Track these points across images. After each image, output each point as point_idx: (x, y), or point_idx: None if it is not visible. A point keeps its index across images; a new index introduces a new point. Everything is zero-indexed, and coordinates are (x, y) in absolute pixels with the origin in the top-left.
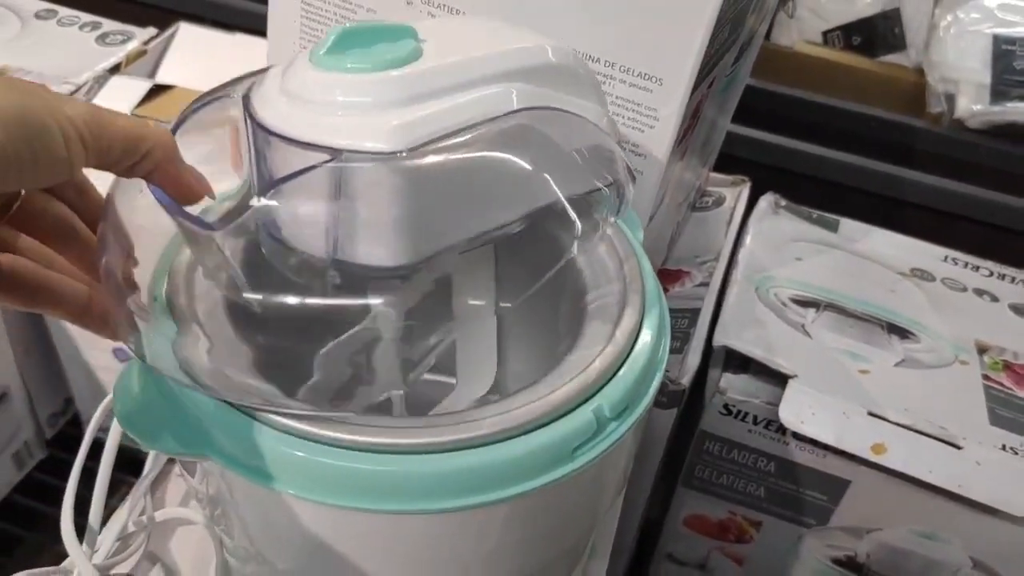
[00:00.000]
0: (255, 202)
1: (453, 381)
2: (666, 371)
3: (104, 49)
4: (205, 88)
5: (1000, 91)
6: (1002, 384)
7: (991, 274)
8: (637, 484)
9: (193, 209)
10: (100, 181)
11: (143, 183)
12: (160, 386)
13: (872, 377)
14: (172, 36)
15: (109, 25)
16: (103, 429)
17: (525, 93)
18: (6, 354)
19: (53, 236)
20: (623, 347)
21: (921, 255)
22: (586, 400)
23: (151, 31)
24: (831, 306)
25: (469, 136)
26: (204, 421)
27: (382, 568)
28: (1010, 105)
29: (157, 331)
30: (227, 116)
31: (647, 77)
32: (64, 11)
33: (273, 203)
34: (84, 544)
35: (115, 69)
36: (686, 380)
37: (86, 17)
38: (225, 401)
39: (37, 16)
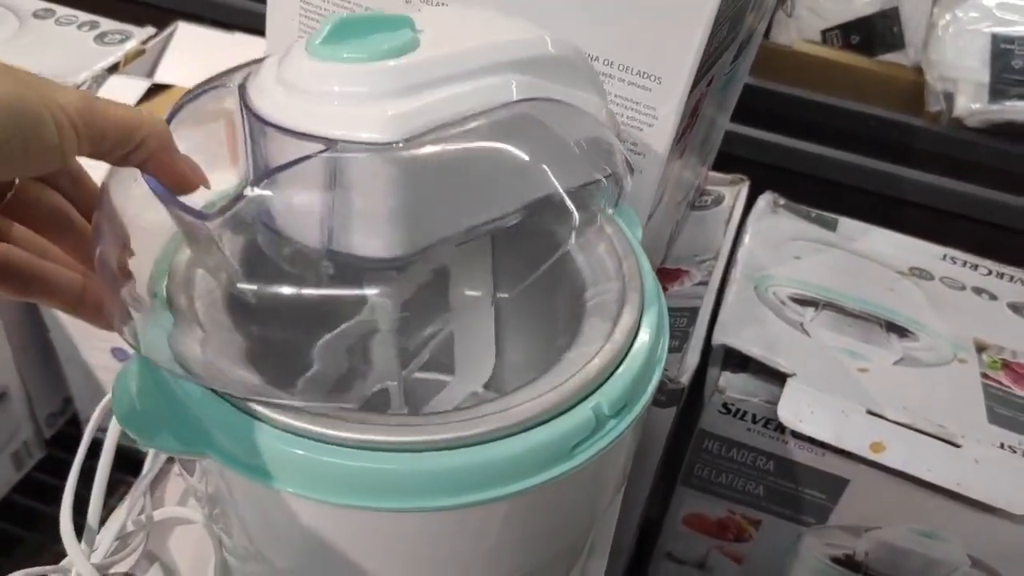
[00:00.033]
0: (249, 191)
1: (450, 379)
2: (665, 370)
3: (102, 48)
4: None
5: (998, 90)
6: (1001, 382)
7: (990, 273)
8: (636, 483)
9: (192, 201)
10: (97, 172)
11: (138, 172)
12: (159, 385)
13: (871, 376)
14: (170, 35)
15: (107, 24)
16: (102, 429)
17: (524, 84)
18: (5, 354)
19: (47, 226)
20: (622, 345)
21: (920, 254)
22: (585, 398)
23: (149, 30)
24: (830, 305)
25: (466, 127)
26: (203, 419)
27: (381, 566)
28: (1008, 104)
29: (153, 322)
30: (222, 106)
31: (646, 75)
32: (62, 10)
33: (267, 193)
34: (83, 543)
35: (113, 68)
36: (685, 379)
37: (84, 16)
38: (223, 397)
39: (35, 15)
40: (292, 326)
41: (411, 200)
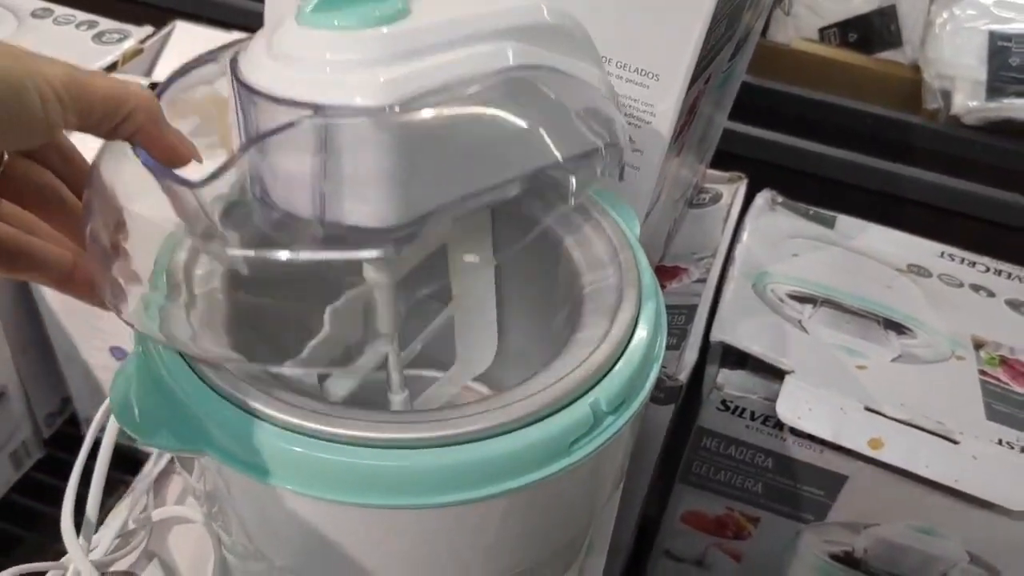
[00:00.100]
0: (237, 157)
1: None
2: (663, 367)
3: (100, 48)
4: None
5: (996, 87)
6: (999, 379)
7: (987, 270)
8: (635, 480)
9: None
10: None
11: (129, 148)
12: (157, 382)
13: (869, 372)
14: (168, 35)
15: (105, 24)
16: (103, 428)
17: (520, 51)
18: (3, 353)
19: (37, 202)
20: (620, 341)
21: (918, 251)
22: (583, 394)
23: (147, 30)
24: (828, 302)
25: (460, 93)
26: (201, 417)
27: (380, 563)
28: (1006, 101)
29: (148, 298)
30: (213, 86)
31: (644, 73)
32: (60, 10)
33: (254, 156)
34: (81, 538)
35: (111, 68)
36: (683, 376)
37: (82, 16)
38: (221, 394)
39: (33, 15)
40: (287, 305)
41: (404, 167)
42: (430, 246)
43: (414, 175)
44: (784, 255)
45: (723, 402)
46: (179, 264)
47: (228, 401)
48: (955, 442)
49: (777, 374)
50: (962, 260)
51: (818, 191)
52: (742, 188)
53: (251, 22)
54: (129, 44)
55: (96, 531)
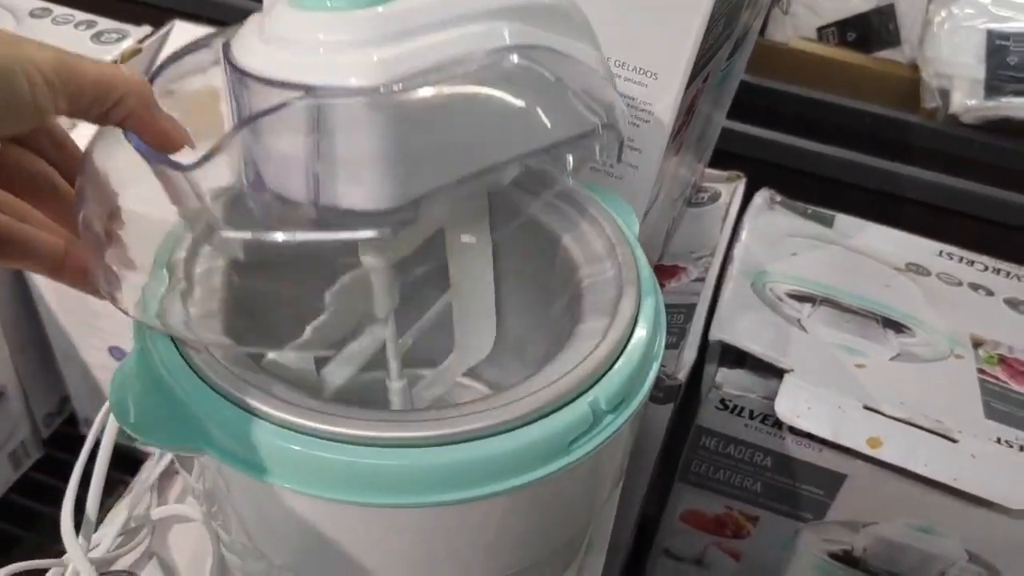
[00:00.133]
0: (228, 139)
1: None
2: (662, 366)
3: (99, 47)
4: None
5: (994, 86)
6: (997, 378)
7: (986, 269)
8: (634, 480)
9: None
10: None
11: (121, 134)
12: (156, 382)
13: (868, 371)
14: (167, 34)
15: (104, 23)
16: (104, 429)
17: (516, 31)
18: (2, 353)
19: (29, 190)
20: (619, 340)
21: (916, 250)
22: (582, 393)
23: (146, 29)
24: (827, 301)
25: (456, 72)
26: (200, 416)
27: (379, 562)
28: (1004, 100)
29: (142, 286)
30: (207, 74)
31: (642, 72)
32: (59, 9)
33: (248, 140)
34: (81, 537)
35: None
36: (682, 375)
37: (81, 15)
38: (220, 393)
39: (32, 15)
40: (284, 288)
41: (398, 148)
42: (427, 230)
43: (409, 156)
44: (783, 254)
45: (722, 401)
46: (179, 259)
47: (227, 400)
48: (954, 441)
49: (776, 373)
50: (961, 259)
51: (817, 190)
52: (741, 187)
53: None
54: (128, 44)
55: (96, 530)
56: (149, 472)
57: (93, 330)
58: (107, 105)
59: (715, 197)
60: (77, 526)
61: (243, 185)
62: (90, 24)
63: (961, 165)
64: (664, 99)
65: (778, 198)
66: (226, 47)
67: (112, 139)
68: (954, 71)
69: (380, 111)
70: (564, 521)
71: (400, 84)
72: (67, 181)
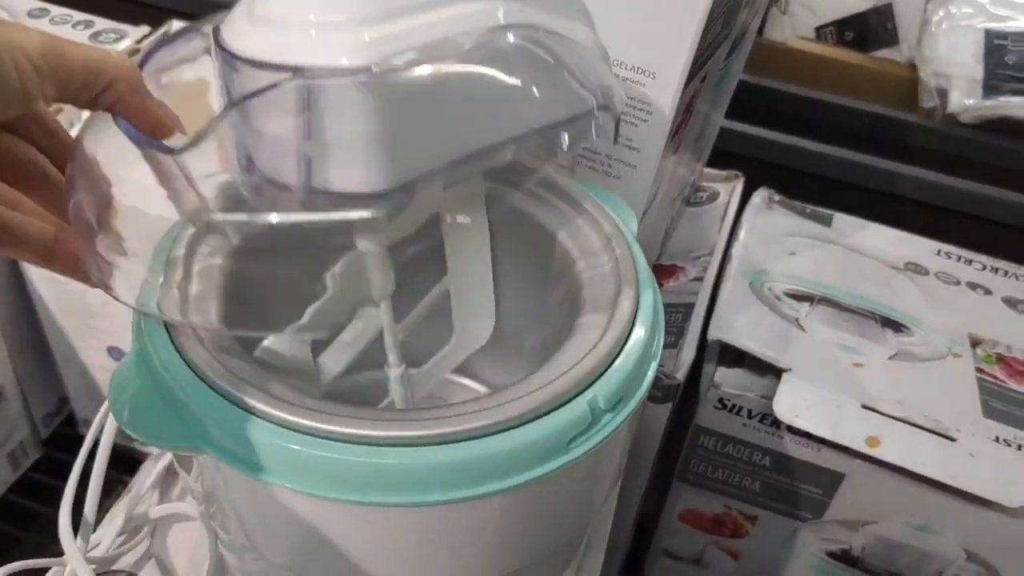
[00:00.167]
0: (217, 121)
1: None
2: (661, 366)
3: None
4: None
5: (992, 85)
6: (995, 377)
7: (984, 268)
8: (633, 479)
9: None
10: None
11: (112, 121)
12: (155, 381)
13: (866, 370)
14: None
15: (102, 23)
16: (103, 429)
17: (511, 10)
18: (1, 354)
19: (21, 178)
20: (617, 340)
21: (915, 249)
22: (581, 392)
23: (144, 29)
24: (825, 300)
25: (449, 51)
26: (198, 415)
27: (377, 561)
28: (1002, 99)
29: (135, 274)
30: (198, 56)
31: (640, 71)
32: (56, 10)
33: (239, 124)
34: (79, 538)
35: None
36: (681, 374)
37: (79, 16)
38: (219, 392)
39: (29, 15)
40: (280, 274)
41: (390, 129)
42: (422, 213)
43: (401, 138)
44: (781, 253)
45: (720, 400)
46: (179, 250)
47: (225, 399)
48: (952, 439)
49: (774, 372)
50: (959, 258)
51: (815, 189)
52: (739, 186)
53: None
54: (126, 44)
55: (94, 530)
56: (148, 472)
57: (91, 330)
58: (96, 90)
59: (713, 196)
60: (76, 526)
61: (235, 170)
62: (88, 24)
63: (959, 164)
64: (662, 98)
65: (776, 197)
66: (216, 31)
67: (102, 126)
68: (952, 70)
69: (372, 91)
70: (563, 520)
71: (392, 64)
72: (58, 169)
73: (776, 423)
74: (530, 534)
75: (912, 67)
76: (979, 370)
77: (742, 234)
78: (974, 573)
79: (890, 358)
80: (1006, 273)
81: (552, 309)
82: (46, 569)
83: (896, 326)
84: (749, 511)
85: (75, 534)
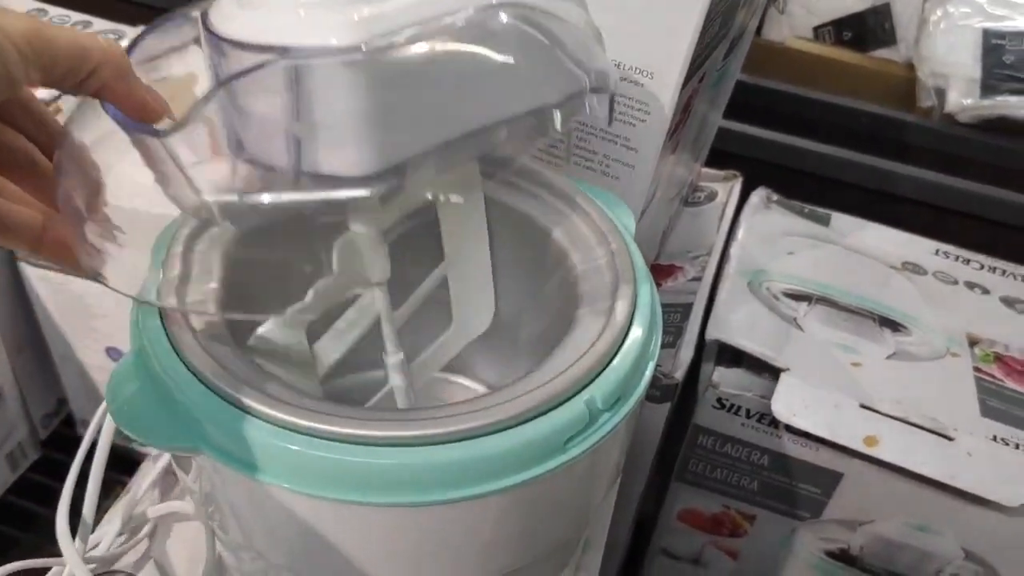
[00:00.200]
0: (203, 103)
1: (447, 377)
2: (659, 365)
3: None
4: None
5: (990, 85)
6: (993, 376)
7: (982, 267)
8: (631, 479)
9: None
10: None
11: (100, 107)
12: (153, 382)
13: (864, 370)
14: None
15: (100, 24)
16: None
17: None
18: None
19: (8, 165)
20: (615, 338)
21: (913, 248)
22: (578, 392)
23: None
24: (823, 300)
25: (440, 30)
26: (197, 415)
27: (375, 561)
28: (1000, 99)
29: (125, 257)
30: (188, 44)
31: (638, 71)
32: (55, 10)
33: (227, 107)
34: (78, 540)
35: None
36: (679, 374)
37: (77, 16)
38: (217, 393)
39: (28, 15)
40: (276, 260)
41: (380, 109)
42: (416, 198)
43: (391, 118)
44: (779, 253)
45: (719, 400)
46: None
47: (223, 400)
48: (950, 439)
49: (772, 372)
50: (957, 257)
51: (813, 189)
52: (737, 186)
53: None
54: (123, 44)
55: (93, 531)
56: (147, 472)
57: (90, 331)
58: (82, 75)
59: (712, 196)
60: (74, 527)
61: (226, 154)
62: (85, 25)
63: (957, 164)
64: (660, 98)
65: (774, 197)
66: (204, 15)
67: (90, 112)
68: (950, 70)
69: (361, 71)
70: (561, 520)
71: (382, 43)
72: (47, 157)
73: (774, 423)
74: (528, 534)
75: (910, 67)
76: (977, 369)
77: (740, 234)
78: (972, 572)
79: (888, 357)
80: (1004, 273)
81: (551, 313)
82: (45, 570)
83: (894, 326)
84: (747, 510)
85: (74, 534)
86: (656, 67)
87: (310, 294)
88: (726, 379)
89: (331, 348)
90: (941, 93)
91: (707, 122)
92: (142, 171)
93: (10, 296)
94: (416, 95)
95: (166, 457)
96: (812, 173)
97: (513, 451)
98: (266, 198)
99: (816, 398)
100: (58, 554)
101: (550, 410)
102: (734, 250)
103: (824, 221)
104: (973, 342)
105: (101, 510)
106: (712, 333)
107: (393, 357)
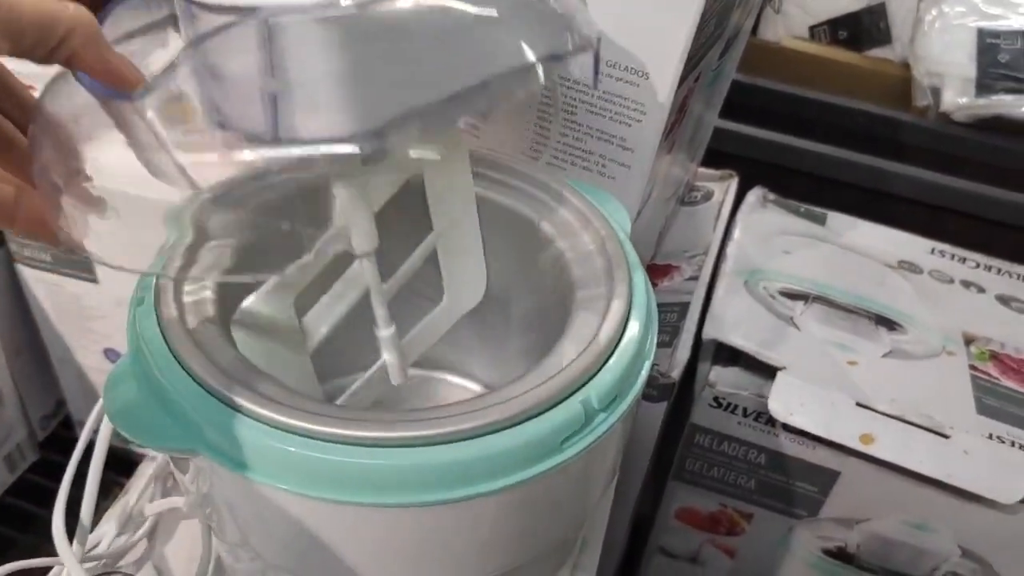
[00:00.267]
0: (174, 64)
1: (444, 376)
2: (656, 365)
3: None
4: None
5: (985, 84)
6: (988, 374)
7: (978, 266)
8: (628, 478)
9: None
10: None
11: (72, 79)
12: (151, 383)
13: (860, 368)
14: None
15: None
16: (96, 430)
17: None
18: None
19: None
20: (611, 339)
21: (908, 247)
22: (574, 392)
23: None
24: (819, 299)
25: None
26: (194, 417)
27: (373, 561)
28: (995, 98)
29: (105, 227)
30: (162, 12)
31: (633, 71)
32: None
33: (203, 75)
34: (75, 541)
35: None
36: (676, 373)
37: None
38: (215, 395)
39: None
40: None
41: (356, 69)
42: (402, 169)
43: (369, 79)
44: (775, 252)
45: (715, 399)
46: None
47: (221, 401)
48: (946, 437)
49: (769, 371)
50: (952, 256)
51: (809, 188)
52: (733, 186)
53: None
54: None
55: (92, 531)
56: (144, 473)
57: (87, 333)
58: (51, 44)
59: (708, 196)
60: (72, 528)
61: (202, 121)
62: None
63: (953, 163)
64: (656, 98)
65: (771, 196)
66: None
67: (64, 83)
68: (945, 69)
69: (335, 27)
70: (558, 519)
71: None
72: (21, 131)
73: (771, 421)
74: (525, 534)
75: (905, 66)
76: (972, 368)
77: (737, 233)
78: (969, 570)
79: (884, 356)
80: (999, 271)
81: (546, 314)
82: (46, 571)
83: (890, 324)
84: (745, 509)
85: (71, 535)
86: (651, 67)
87: (292, 267)
88: (723, 378)
89: (320, 321)
90: (936, 92)
91: (703, 122)
92: (121, 142)
93: (8, 298)
94: (395, 53)
95: (164, 457)
96: (808, 172)
97: (509, 451)
98: (248, 155)
99: (813, 396)
100: (56, 555)
101: (546, 410)
102: (730, 249)
103: (820, 220)
104: (969, 340)
105: (99, 511)
106: (709, 332)
107: (384, 331)
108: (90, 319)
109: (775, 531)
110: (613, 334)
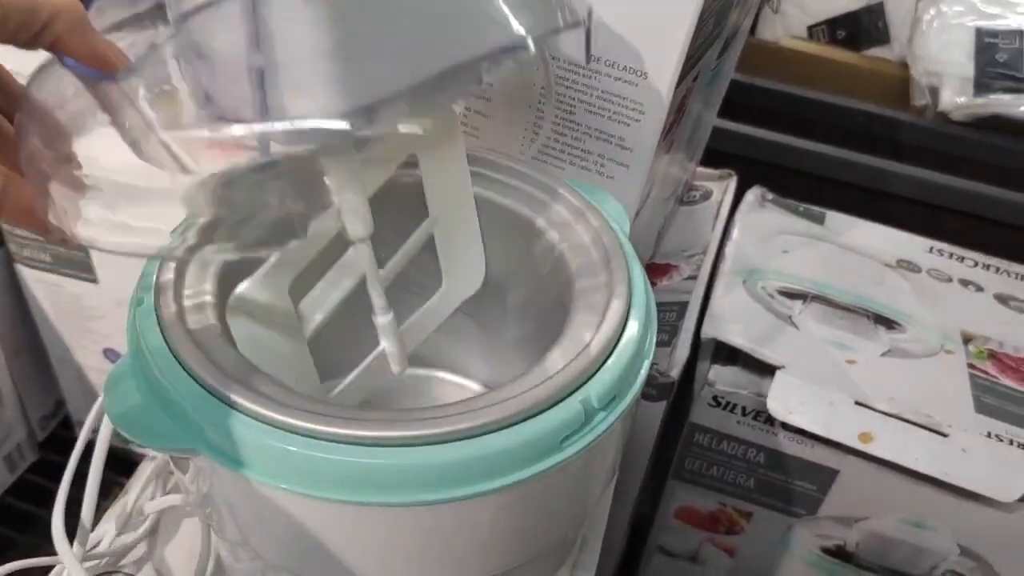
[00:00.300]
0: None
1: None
2: (655, 364)
3: None
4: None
5: (983, 83)
6: (987, 372)
7: (976, 265)
8: (628, 477)
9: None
10: None
11: (58, 64)
12: (150, 384)
13: (859, 367)
14: None
15: None
16: (96, 430)
17: None
18: None
19: None
20: (610, 338)
21: (907, 246)
22: (574, 391)
23: None
24: (818, 298)
25: None
26: (194, 417)
27: (372, 560)
28: (993, 97)
29: (95, 211)
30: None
31: (632, 71)
32: None
33: (183, 47)
34: (76, 540)
35: None
36: (675, 373)
37: None
38: (215, 394)
39: None
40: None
41: (342, 45)
42: (396, 153)
43: (356, 56)
44: (774, 251)
45: (714, 398)
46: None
47: (221, 401)
48: (944, 435)
49: (768, 369)
50: (951, 255)
51: (808, 188)
52: (732, 185)
53: None
54: None
55: (92, 530)
56: (144, 473)
57: (87, 333)
58: (35, 28)
59: (707, 195)
60: (72, 528)
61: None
62: None
63: (951, 162)
64: (654, 98)
65: (769, 196)
66: None
67: (51, 72)
68: (943, 68)
69: (322, 3)
70: (557, 519)
71: None
72: (8, 120)
73: (770, 420)
74: (525, 533)
75: (904, 65)
76: (971, 366)
77: (735, 232)
78: (968, 568)
79: (883, 355)
80: (998, 270)
81: (545, 313)
82: (46, 572)
83: (889, 323)
84: (744, 508)
85: (71, 535)
86: (650, 66)
87: (287, 249)
88: (722, 377)
89: (316, 306)
90: (935, 91)
91: (702, 121)
92: (109, 127)
93: (7, 299)
94: (384, 29)
95: (164, 457)
96: (807, 172)
97: (509, 451)
98: (238, 130)
99: (811, 395)
100: (55, 555)
101: (546, 410)
102: (729, 249)
103: (819, 219)
104: (967, 339)
105: (99, 511)
106: (708, 331)
107: (382, 318)
108: (90, 319)
109: (774, 530)
110: (612, 334)
